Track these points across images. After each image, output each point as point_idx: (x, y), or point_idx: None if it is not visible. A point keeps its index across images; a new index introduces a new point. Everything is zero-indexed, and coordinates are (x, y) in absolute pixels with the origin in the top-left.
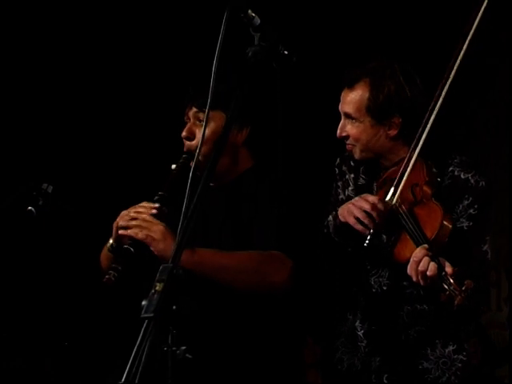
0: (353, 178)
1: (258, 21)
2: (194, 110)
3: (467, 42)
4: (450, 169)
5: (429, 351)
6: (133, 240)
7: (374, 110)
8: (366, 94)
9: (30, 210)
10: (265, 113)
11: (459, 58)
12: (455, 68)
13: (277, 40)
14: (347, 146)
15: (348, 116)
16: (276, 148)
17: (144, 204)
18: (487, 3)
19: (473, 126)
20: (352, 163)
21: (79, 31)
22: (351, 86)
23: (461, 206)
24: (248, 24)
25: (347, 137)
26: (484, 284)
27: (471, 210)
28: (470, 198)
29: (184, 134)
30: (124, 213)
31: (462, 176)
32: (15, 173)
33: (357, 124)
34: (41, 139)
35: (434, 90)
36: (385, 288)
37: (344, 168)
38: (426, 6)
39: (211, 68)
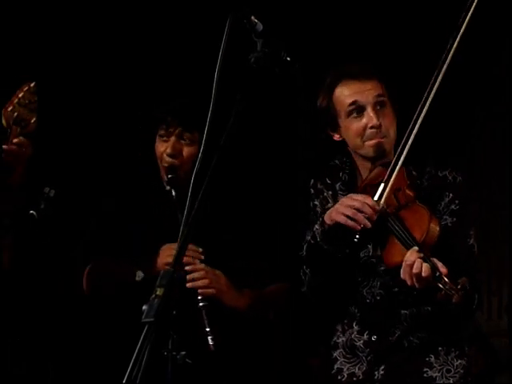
0: (331, 194)
1: (260, 27)
2: (180, 128)
3: (453, 50)
4: (427, 169)
5: (433, 359)
6: (203, 296)
7: (393, 96)
8: (381, 82)
9: (32, 213)
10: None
11: (444, 67)
12: (440, 77)
13: (279, 46)
14: (375, 140)
15: (379, 102)
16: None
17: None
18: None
19: (472, 134)
20: (328, 180)
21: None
22: (366, 76)
23: (442, 204)
24: (251, 30)
25: (380, 126)
26: (476, 278)
27: (453, 206)
28: (451, 195)
29: (170, 151)
30: (170, 253)
31: (440, 174)
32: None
33: (387, 110)
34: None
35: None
36: (378, 298)
37: (320, 186)
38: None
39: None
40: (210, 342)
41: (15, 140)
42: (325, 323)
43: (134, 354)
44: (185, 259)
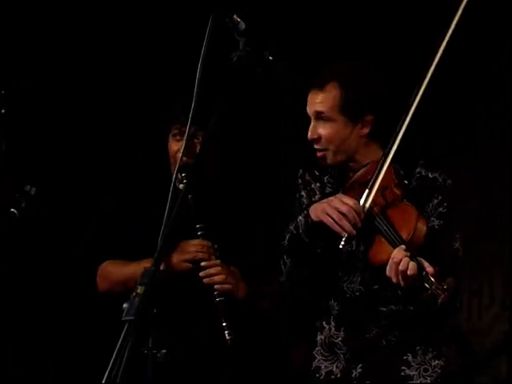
0: (319, 186)
1: (243, 25)
2: (194, 127)
3: (443, 47)
4: (417, 170)
5: (410, 357)
6: (219, 291)
7: (347, 108)
8: (338, 93)
9: (13, 211)
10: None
11: (434, 62)
12: (431, 72)
13: (262, 45)
14: (318, 154)
15: (320, 116)
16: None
17: (203, 243)
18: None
19: (472, 136)
20: (316, 172)
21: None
22: (321, 87)
23: (430, 205)
24: (233, 29)
25: (319, 139)
26: (458, 281)
27: (441, 209)
28: (440, 197)
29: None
30: (186, 250)
31: (430, 175)
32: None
33: (329, 124)
34: (24, 140)
35: (409, 94)
36: (357, 294)
37: (308, 177)
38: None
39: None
40: (227, 337)
41: None
42: (305, 318)
43: (114, 353)
44: (200, 255)
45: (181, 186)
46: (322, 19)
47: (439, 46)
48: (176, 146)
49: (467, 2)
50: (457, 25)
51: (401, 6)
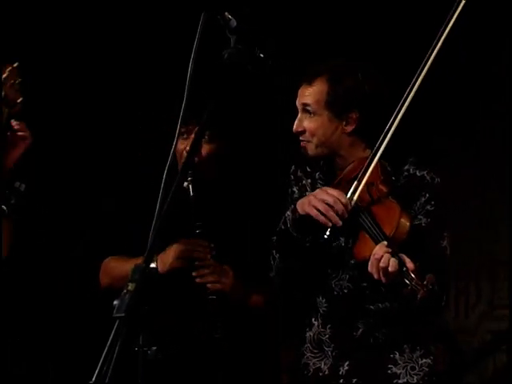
0: (310, 183)
1: (234, 23)
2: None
3: (439, 45)
4: (405, 167)
5: (397, 355)
6: (211, 290)
7: (332, 104)
8: (325, 88)
9: (2, 208)
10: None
11: (429, 60)
12: (424, 70)
13: (253, 43)
14: (302, 143)
15: (306, 109)
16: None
17: (200, 242)
18: (462, 7)
19: (473, 135)
20: (308, 169)
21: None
22: (310, 81)
23: (418, 203)
24: (224, 26)
25: (303, 132)
26: (445, 280)
27: (428, 207)
28: (427, 195)
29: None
30: (182, 248)
31: (418, 173)
32: None
33: (314, 118)
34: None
35: (401, 93)
36: (346, 291)
37: (300, 174)
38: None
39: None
40: (216, 335)
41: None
42: (295, 315)
43: (105, 351)
44: (196, 254)
45: (185, 184)
46: (319, 18)
47: (434, 44)
48: (182, 145)
49: (467, 1)
50: (455, 24)
51: (400, 5)
